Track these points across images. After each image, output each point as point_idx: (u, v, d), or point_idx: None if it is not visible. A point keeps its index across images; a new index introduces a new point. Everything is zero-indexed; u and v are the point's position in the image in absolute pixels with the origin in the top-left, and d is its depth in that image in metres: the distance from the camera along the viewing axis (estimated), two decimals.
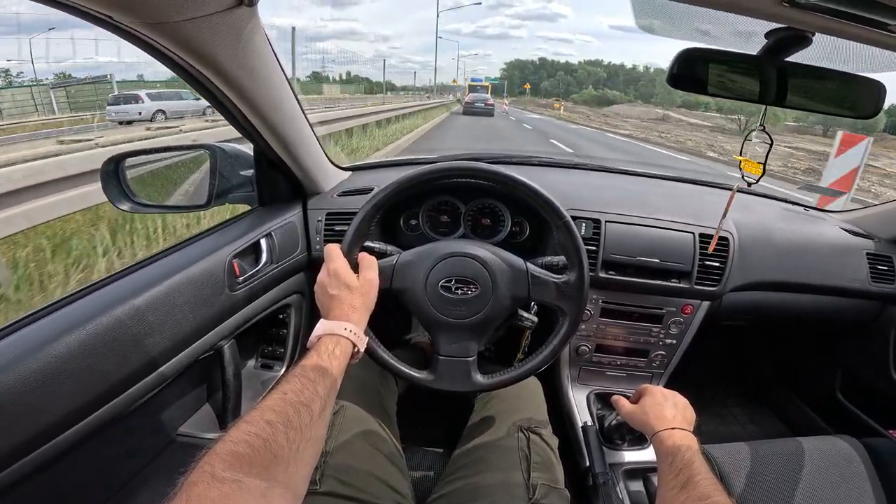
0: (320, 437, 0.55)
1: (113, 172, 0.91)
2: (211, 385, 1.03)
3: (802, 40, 0.60)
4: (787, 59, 0.66)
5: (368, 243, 0.83)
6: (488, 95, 26.50)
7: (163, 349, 0.74)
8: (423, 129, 13.05)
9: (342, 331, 0.65)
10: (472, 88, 38.13)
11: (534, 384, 1.00)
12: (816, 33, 0.58)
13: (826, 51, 0.63)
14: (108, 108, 14.95)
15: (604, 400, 1.21)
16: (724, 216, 0.98)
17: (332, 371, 0.59)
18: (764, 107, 0.75)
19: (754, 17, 0.54)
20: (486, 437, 0.85)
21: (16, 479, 0.55)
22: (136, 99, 15.06)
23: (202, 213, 2.99)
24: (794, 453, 0.92)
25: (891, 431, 1.24)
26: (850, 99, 0.69)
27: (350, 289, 0.71)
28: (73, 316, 0.63)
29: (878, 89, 0.67)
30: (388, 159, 1.81)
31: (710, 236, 1.10)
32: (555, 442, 0.87)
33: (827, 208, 1.61)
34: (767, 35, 0.62)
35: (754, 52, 0.67)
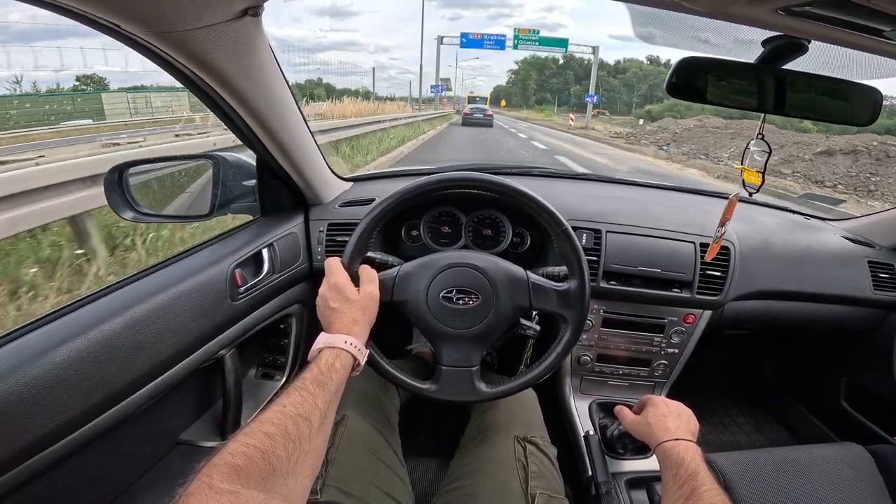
0: (320, 450, 0.55)
1: (117, 181, 0.92)
2: (212, 394, 1.03)
3: (799, 48, 0.61)
4: (786, 66, 0.66)
5: (370, 254, 0.83)
6: (487, 107, 26.88)
7: (164, 358, 0.73)
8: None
9: (343, 344, 0.65)
10: (472, 99, 38.77)
11: (529, 393, 0.99)
12: (813, 41, 0.59)
13: (823, 58, 0.64)
14: None
15: (606, 409, 1.20)
16: (721, 224, 0.97)
17: (331, 384, 0.59)
18: (762, 115, 0.76)
19: (750, 26, 0.54)
20: (482, 447, 0.85)
21: (15, 485, 0.54)
22: None
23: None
24: (799, 461, 0.91)
25: None
26: (848, 106, 0.70)
27: (350, 302, 0.71)
28: (75, 324, 0.63)
29: (875, 96, 0.68)
30: (390, 170, 1.82)
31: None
32: (553, 451, 0.86)
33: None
34: (764, 43, 0.63)
35: (753, 61, 0.68)
